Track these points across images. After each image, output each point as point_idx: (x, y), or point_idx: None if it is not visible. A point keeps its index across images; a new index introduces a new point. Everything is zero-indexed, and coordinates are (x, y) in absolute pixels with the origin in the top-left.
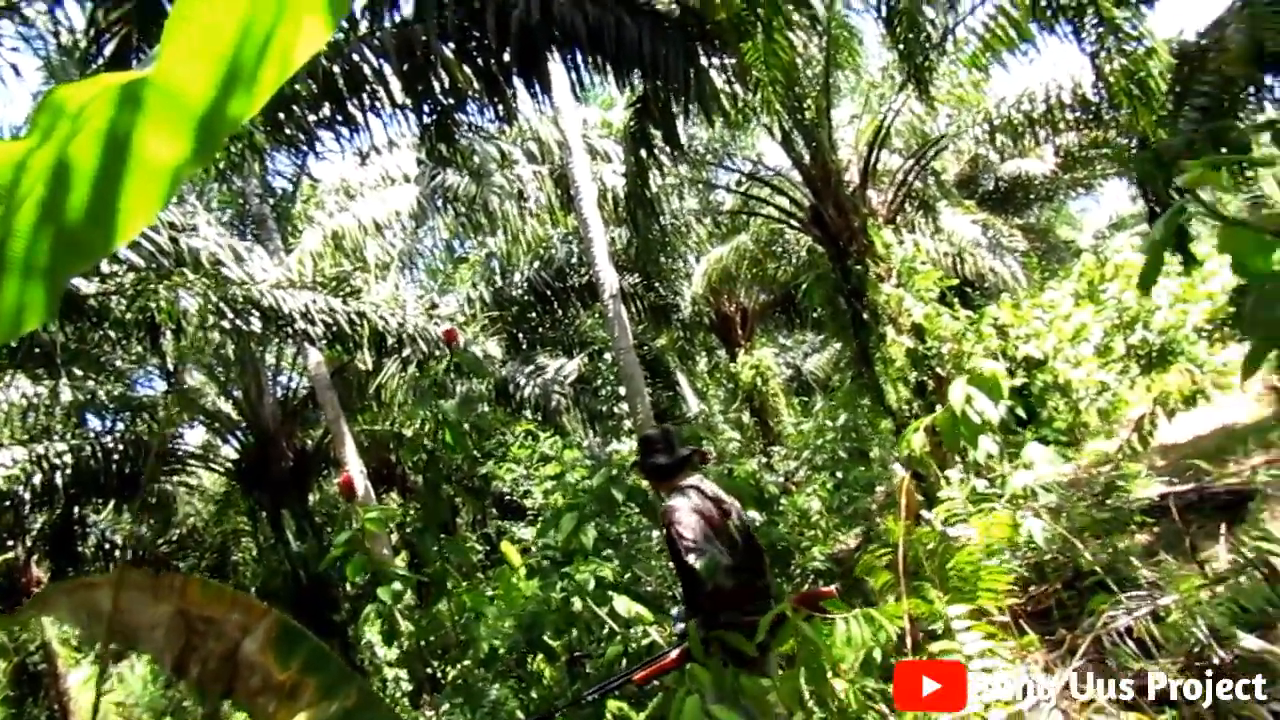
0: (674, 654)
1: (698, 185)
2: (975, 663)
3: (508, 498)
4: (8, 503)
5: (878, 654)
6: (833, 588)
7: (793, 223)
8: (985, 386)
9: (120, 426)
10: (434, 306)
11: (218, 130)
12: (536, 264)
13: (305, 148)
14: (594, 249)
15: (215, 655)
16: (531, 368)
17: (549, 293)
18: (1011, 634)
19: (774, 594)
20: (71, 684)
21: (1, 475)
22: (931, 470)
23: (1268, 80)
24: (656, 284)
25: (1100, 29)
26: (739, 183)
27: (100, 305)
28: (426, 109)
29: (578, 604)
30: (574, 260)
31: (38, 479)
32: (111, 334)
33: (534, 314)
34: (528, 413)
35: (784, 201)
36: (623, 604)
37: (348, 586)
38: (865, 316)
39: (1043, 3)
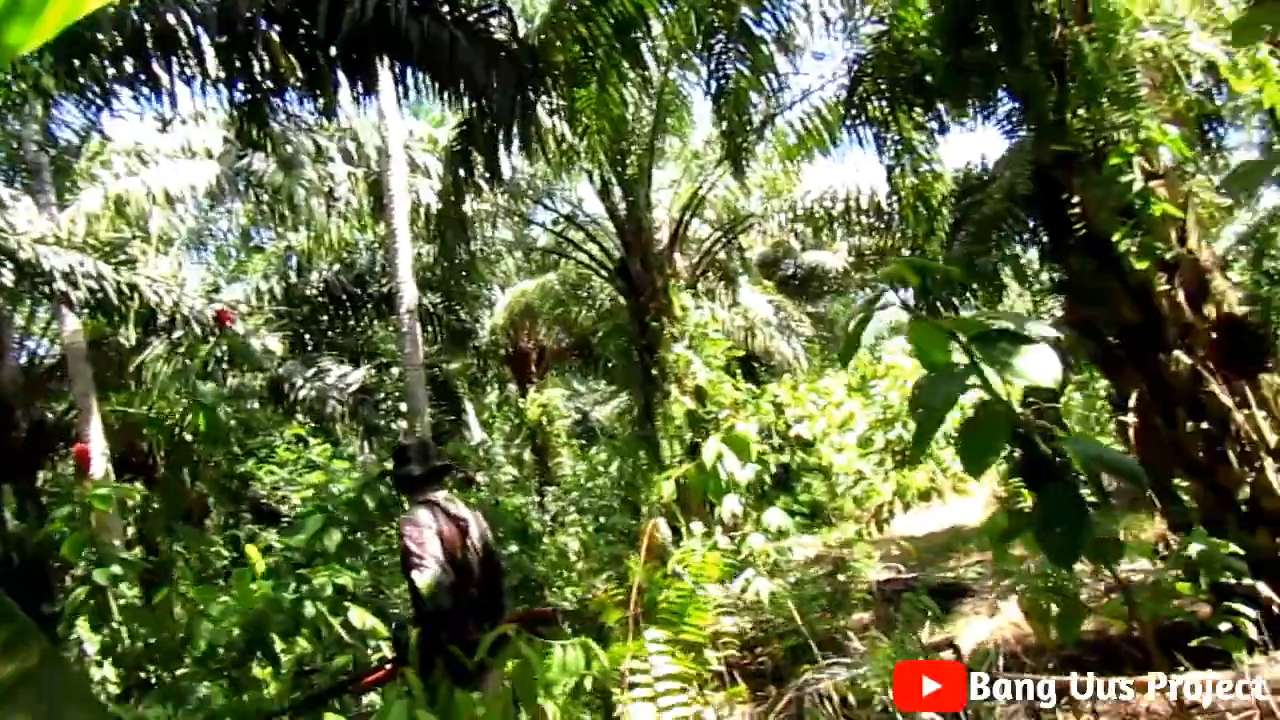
0: (389, 665)
1: (514, 217)
2: (661, 684)
3: (265, 502)
4: None
5: (588, 683)
6: (551, 609)
7: (600, 271)
8: (737, 447)
9: None
10: (216, 290)
11: None
12: (337, 267)
13: (100, 102)
14: (398, 260)
15: None
16: (313, 370)
17: (345, 298)
18: (725, 685)
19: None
20: None
21: None
22: (679, 519)
23: (1025, 218)
24: (458, 307)
25: (899, 146)
26: (555, 222)
27: None
28: (241, 88)
29: (310, 609)
30: (376, 269)
31: None
32: None
33: (326, 317)
34: (300, 416)
35: (594, 249)
36: (357, 615)
37: (67, 579)
38: (654, 372)
39: (854, 112)
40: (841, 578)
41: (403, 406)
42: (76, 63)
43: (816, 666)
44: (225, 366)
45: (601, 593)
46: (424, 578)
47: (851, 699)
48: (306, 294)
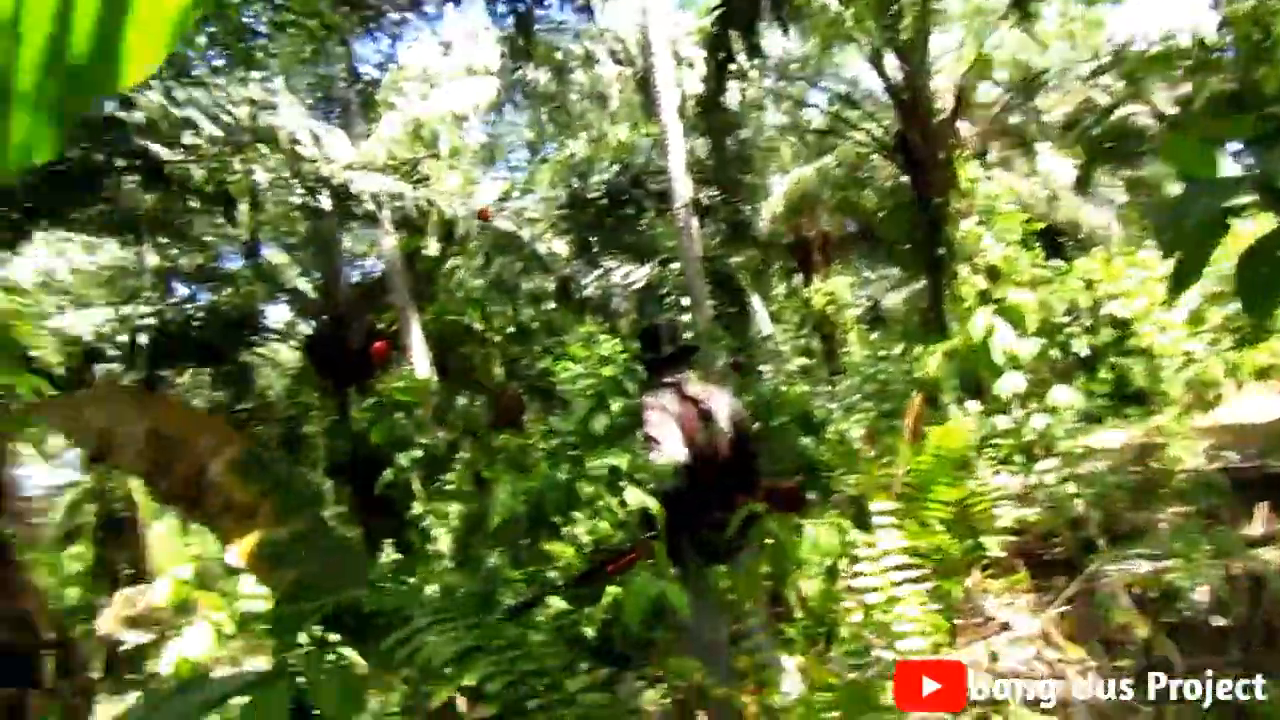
0: (636, 548)
1: (785, 101)
2: (889, 559)
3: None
4: (100, 358)
5: (843, 563)
6: (793, 485)
7: (879, 150)
8: (1012, 319)
9: (204, 297)
10: (504, 198)
11: None
12: (616, 168)
13: (384, 34)
14: (670, 157)
15: (182, 474)
16: (597, 271)
17: (625, 198)
18: (1008, 573)
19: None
20: (153, 534)
21: (90, 333)
22: (947, 397)
23: None
24: (734, 199)
25: None
26: (829, 103)
27: (181, 174)
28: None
29: (588, 488)
30: (652, 168)
31: (123, 338)
32: (192, 204)
33: (609, 218)
34: (588, 315)
35: (872, 127)
36: (633, 495)
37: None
38: (942, 252)
39: None
40: (1155, 465)
41: (685, 301)
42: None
43: (1111, 557)
44: (519, 271)
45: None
46: (658, 460)
47: (1152, 594)
48: (589, 198)
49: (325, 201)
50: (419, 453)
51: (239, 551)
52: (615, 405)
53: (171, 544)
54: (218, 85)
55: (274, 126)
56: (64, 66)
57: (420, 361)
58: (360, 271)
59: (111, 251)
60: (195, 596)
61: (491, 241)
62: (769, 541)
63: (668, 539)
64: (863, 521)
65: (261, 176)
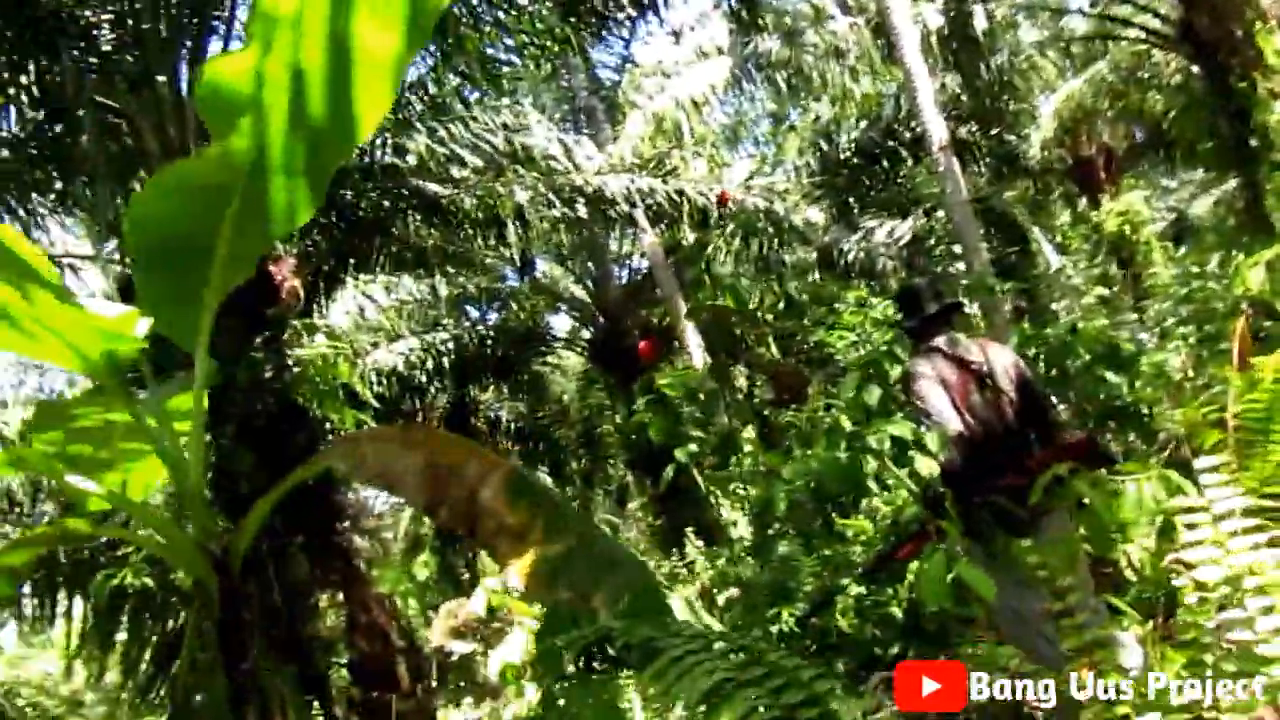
0: (921, 530)
1: (1043, 13)
2: (1226, 523)
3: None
4: (413, 386)
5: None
6: (1085, 437)
7: (1159, 43)
8: None
9: (493, 316)
10: (751, 176)
11: (424, 16)
12: (864, 124)
13: (616, 36)
14: (919, 99)
15: (459, 501)
16: (860, 233)
17: (878, 152)
18: None
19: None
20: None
21: (402, 362)
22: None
23: None
24: (997, 130)
25: None
26: (1093, 4)
27: (453, 206)
28: None
29: (871, 463)
30: (902, 115)
31: (429, 364)
32: (468, 231)
33: (864, 176)
34: (854, 279)
35: (1147, 19)
36: (924, 464)
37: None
38: (1253, 143)
39: None
40: None
41: (956, 248)
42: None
43: None
44: (777, 248)
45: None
46: (933, 431)
47: None
48: (841, 159)
49: (581, 210)
50: (694, 446)
51: (517, 572)
52: (891, 373)
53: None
54: (473, 118)
55: (528, 146)
56: (308, 133)
57: (695, 350)
58: (630, 270)
59: (408, 286)
60: (508, 604)
61: (745, 221)
62: (1085, 504)
63: (961, 515)
64: (1188, 470)
65: (521, 196)
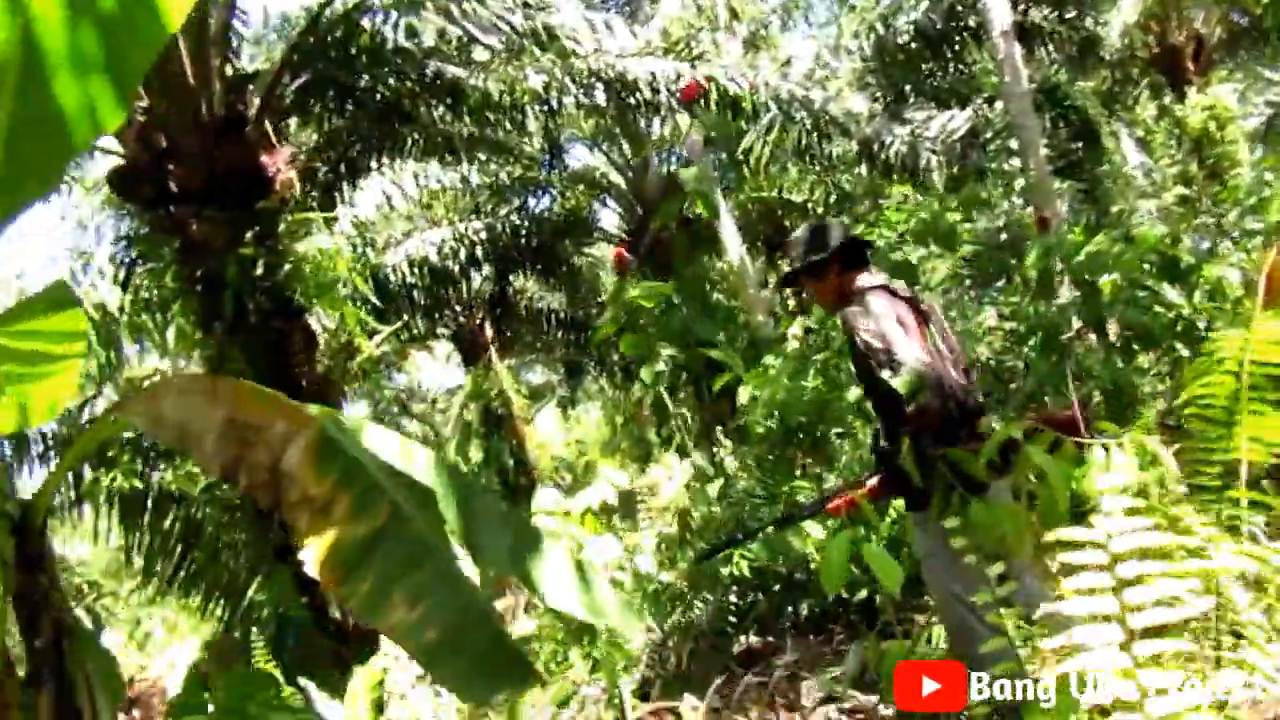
0: (872, 481)
1: None
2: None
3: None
4: (446, 275)
5: (1154, 492)
6: (1069, 413)
7: None
8: None
9: (534, 204)
10: (786, 64)
11: None
12: (925, 4)
13: None
14: None
15: (262, 465)
16: (905, 125)
17: (938, 36)
18: None
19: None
20: (539, 424)
21: (434, 252)
22: None
23: None
24: (1074, 14)
25: None
26: None
27: (474, 90)
28: None
29: (851, 395)
30: None
31: (463, 254)
32: (495, 117)
33: (921, 62)
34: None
35: None
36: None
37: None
38: None
39: None
40: None
41: (1012, 144)
42: None
43: None
44: (815, 140)
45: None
46: (901, 375)
47: None
48: (899, 42)
49: (600, 96)
50: (662, 365)
51: (313, 557)
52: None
53: (545, 433)
54: None
55: (551, 26)
56: (95, 24)
57: (732, 246)
58: (674, 157)
59: (438, 175)
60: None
61: (781, 110)
62: (1037, 474)
63: (919, 467)
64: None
65: (535, 80)
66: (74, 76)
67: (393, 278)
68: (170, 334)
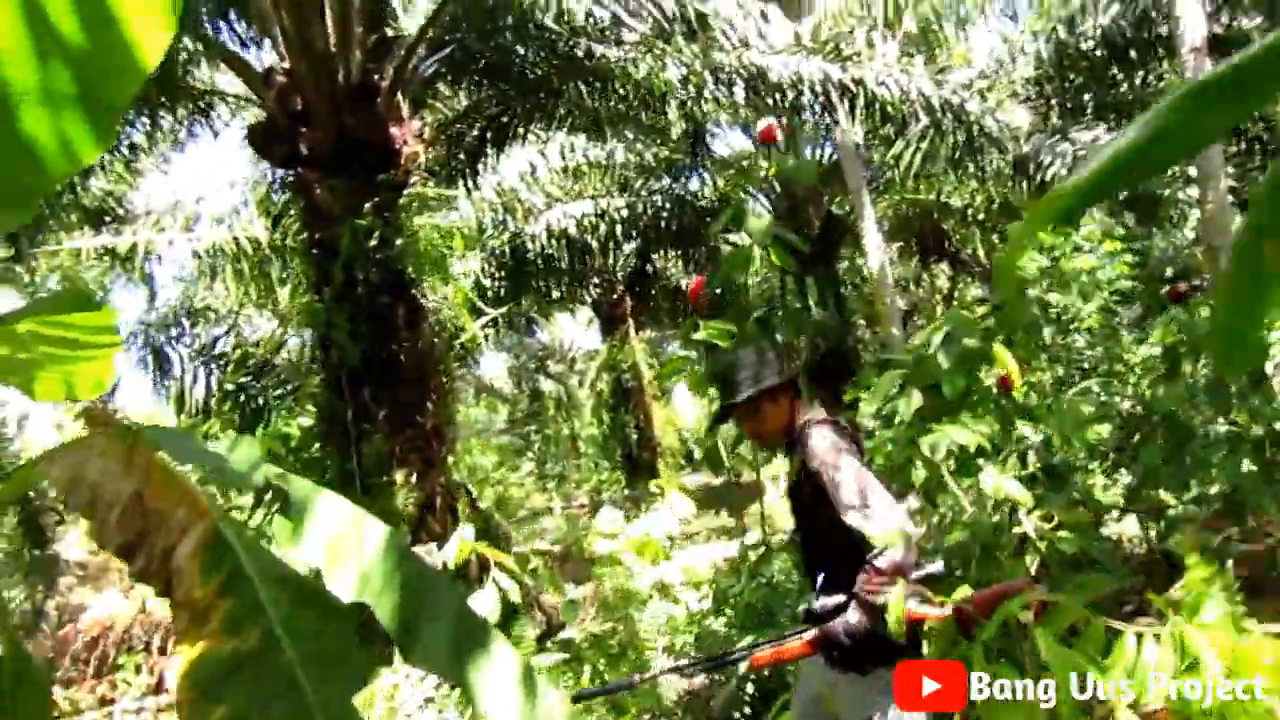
0: (807, 636)
1: None
2: None
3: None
4: (584, 248)
5: (1193, 690)
6: (1022, 582)
7: None
8: None
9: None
10: (941, 71)
11: None
12: (1115, 9)
13: None
14: None
15: (158, 552)
16: (1069, 143)
17: (1124, 45)
18: None
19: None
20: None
21: (574, 225)
22: None
23: None
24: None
25: None
26: None
27: (621, 72)
28: None
29: (919, 472)
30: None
31: (602, 229)
32: (641, 98)
33: (1107, 70)
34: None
35: None
36: (992, 478)
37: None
38: None
39: None
40: None
41: (1191, 171)
42: None
43: None
44: (966, 154)
45: None
46: (876, 524)
47: None
48: (1081, 49)
49: (739, 93)
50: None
51: (178, 667)
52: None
53: (668, 413)
54: None
55: (703, 13)
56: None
57: (873, 251)
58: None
59: (585, 149)
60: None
61: (931, 120)
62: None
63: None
64: None
65: (673, 73)
66: (46, 111)
67: (531, 246)
68: (285, 291)
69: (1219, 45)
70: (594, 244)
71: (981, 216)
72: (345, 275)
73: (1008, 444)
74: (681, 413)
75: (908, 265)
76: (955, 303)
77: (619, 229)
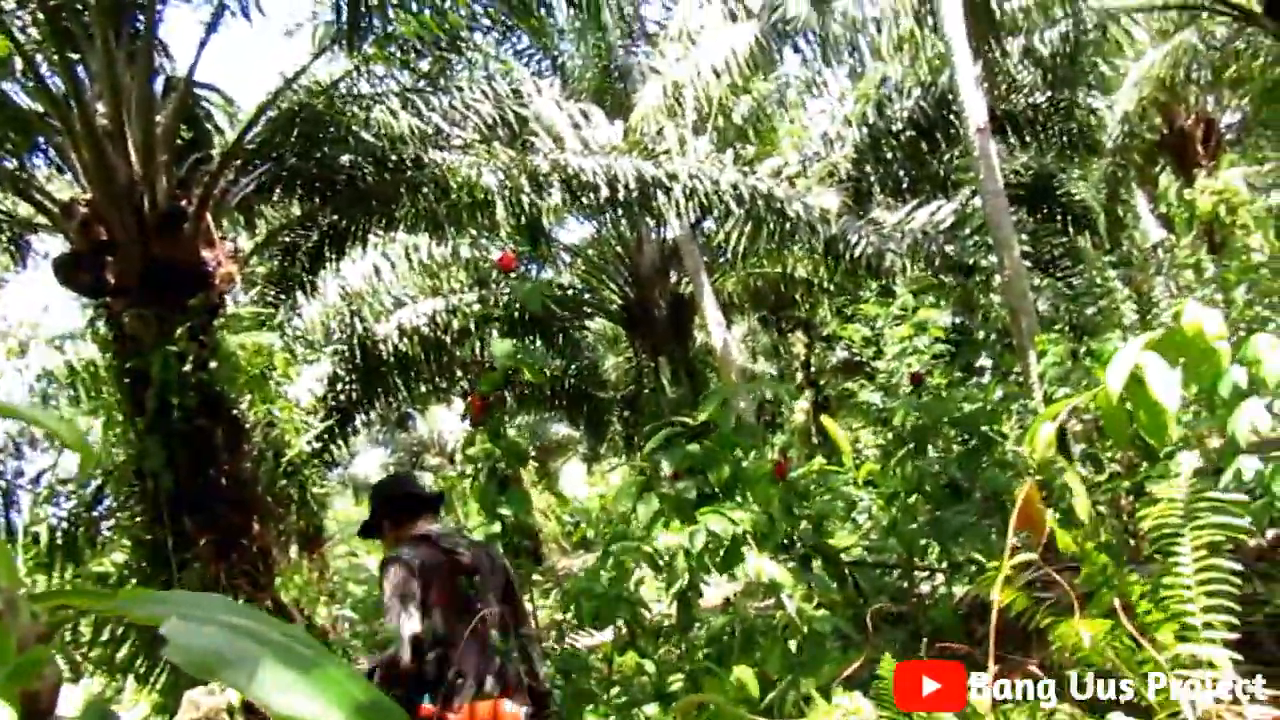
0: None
1: None
2: None
3: (856, 359)
4: (437, 344)
5: None
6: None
7: (1240, 17)
8: (1186, 351)
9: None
10: (749, 163)
11: None
12: (916, 93)
13: None
14: (957, 73)
15: None
16: (876, 224)
17: (927, 126)
18: None
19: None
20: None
21: (425, 322)
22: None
23: None
24: (1065, 104)
25: None
26: None
27: (440, 174)
28: None
29: (680, 563)
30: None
31: (455, 325)
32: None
33: (911, 152)
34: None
35: None
36: (754, 563)
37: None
38: None
39: None
40: None
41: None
42: None
43: None
44: (786, 233)
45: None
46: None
47: None
48: (892, 130)
49: (555, 195)
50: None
51: None
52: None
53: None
54: (458, 87)
55: (524, 116)
56: None
57: (714, 327)
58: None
59: (425, 248)
60: None
61: (742, 208)
62: None
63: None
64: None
65: (490, 179)
66: None
67: (383, 347)
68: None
69: (1009, 119)
70: (447, 339)
71: (829, 285)
72: (158, 403)
73: (776, 529)
74: (570, 493)
75: (771, 334)
76: (812, 368)
77: (472, 323)
